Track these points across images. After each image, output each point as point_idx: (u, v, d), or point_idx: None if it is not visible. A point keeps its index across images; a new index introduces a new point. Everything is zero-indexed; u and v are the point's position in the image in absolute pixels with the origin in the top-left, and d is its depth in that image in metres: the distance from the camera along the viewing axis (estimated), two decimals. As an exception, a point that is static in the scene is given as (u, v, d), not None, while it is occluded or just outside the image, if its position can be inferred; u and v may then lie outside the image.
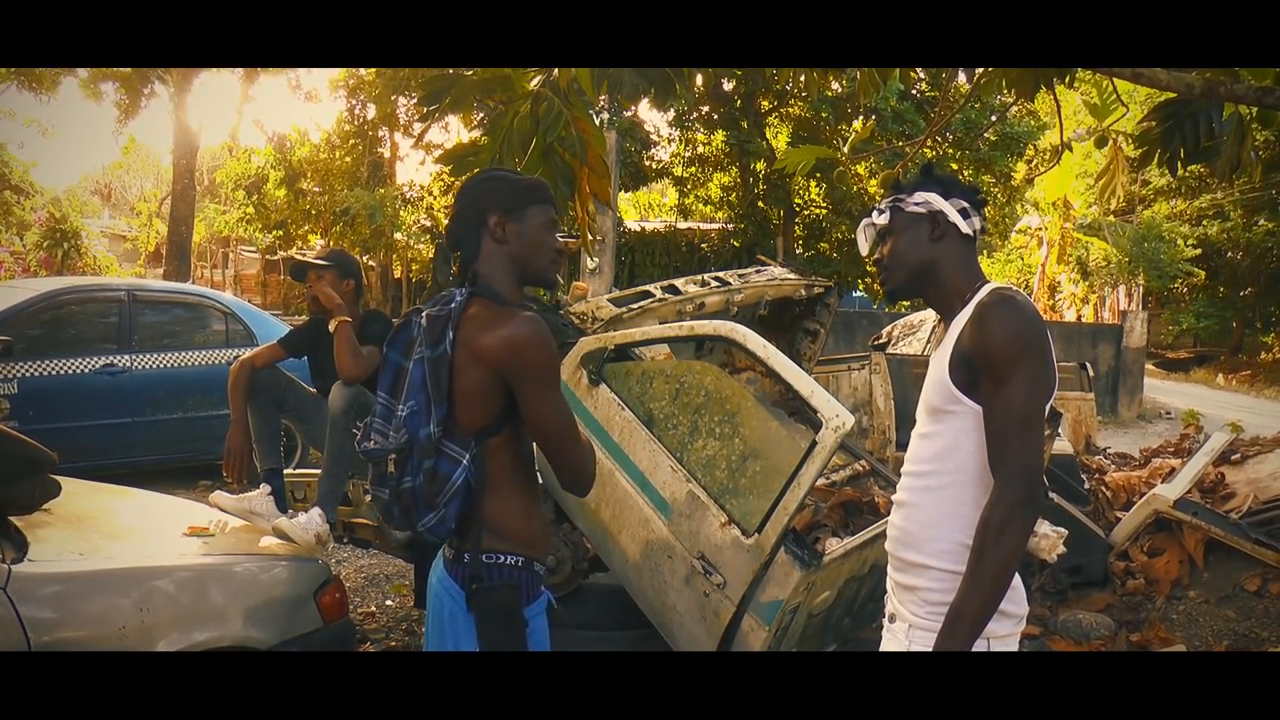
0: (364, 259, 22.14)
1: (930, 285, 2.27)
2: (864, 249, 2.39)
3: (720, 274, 6.02)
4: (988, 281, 2.20)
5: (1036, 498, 2.00)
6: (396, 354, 2.26)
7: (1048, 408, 2.10)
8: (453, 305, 2.20)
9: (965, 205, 2.23)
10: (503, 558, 2.23)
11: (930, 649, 2.10)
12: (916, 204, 2.24)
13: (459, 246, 2.32)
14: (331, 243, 22.25)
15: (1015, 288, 2.17)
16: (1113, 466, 7.48)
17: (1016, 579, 2.12)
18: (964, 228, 2.22)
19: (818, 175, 19.85)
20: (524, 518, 2.25)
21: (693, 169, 24.82)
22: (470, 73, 4.13)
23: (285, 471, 4.55)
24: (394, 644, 5.25)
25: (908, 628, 2.17)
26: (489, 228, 2.27)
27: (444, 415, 2.15)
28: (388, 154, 24.59)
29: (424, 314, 2.22)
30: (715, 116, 22.36)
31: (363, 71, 23.26)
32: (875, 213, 2.33)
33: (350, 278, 4.45)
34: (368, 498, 4.64)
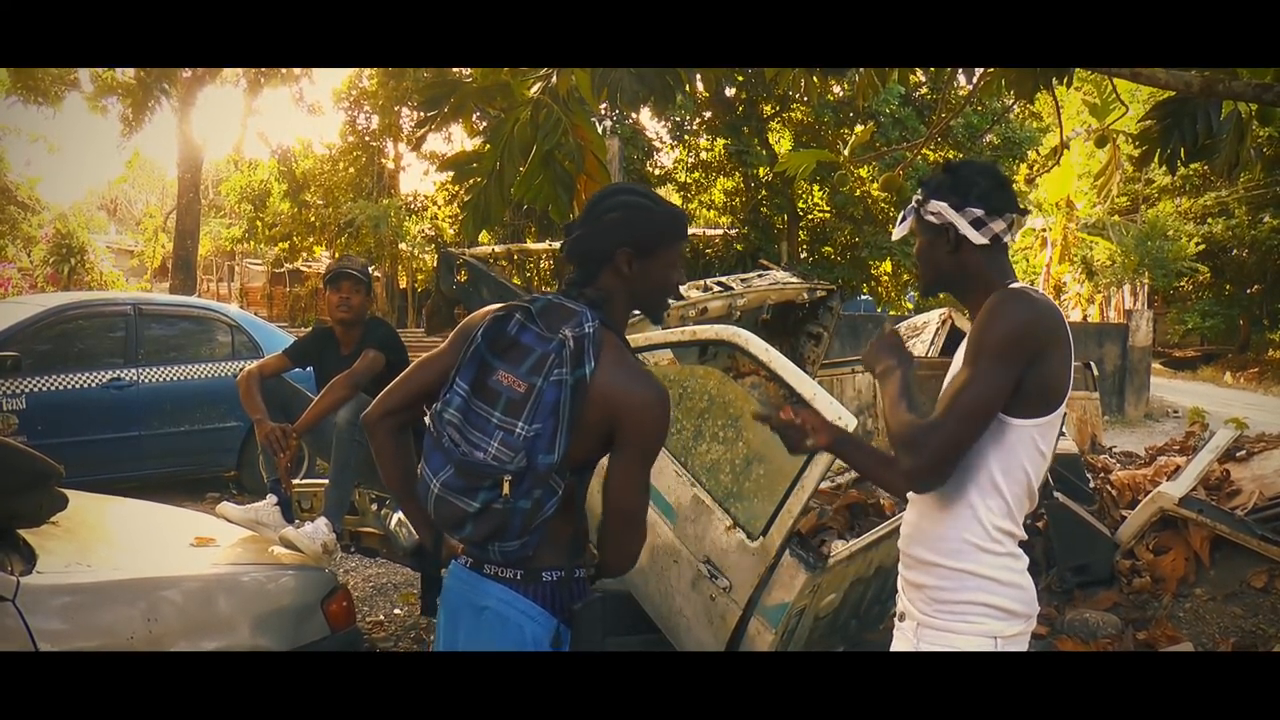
0: (369, 268, 22.19)
1: (956, 291, 2.28)
2: (895, 234, 2.38)
3: (723, 279, 6.04)
4: (1014, 281, 2.19)
5: (920, 482, 2.08)
6: (486, 348, 2.09)
7: (1060, 411, 2.11)
8: (588, 329, 2.07)
9: (980, 214, 2.14)
10: (579, 572, 2.21)
11: (938, 647, 2.11)
12: (931, 214, 2.21)
13: (578, 261, 2.22)
14: (336, 254, 22.32)
15: (1033, 290, 2.16)
16: (1118, 465, 7.47)
17: (1027, 579, 2.13)
18: (976, 240, 2.15)
19: (819, 179, 19.89)
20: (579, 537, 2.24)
21: (695, 174, 24.87)
22: (470, 80, 4.15)
23: (293, 481, 4.57)
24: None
25: (916, 626, 2.17)
26: (615, 262, 2.17)
27: (567, 447, 2.03)
28: (391, 165, 24.66)
29: (567, 332, 2.06)
30: (718, 123, 22.41)
31: (365, 83, 23.38)
32: (906, 211, 2.29)
33: (370, 293, 4.70)
34: (374, 506, 4.69)
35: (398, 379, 2.28)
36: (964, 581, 2.10)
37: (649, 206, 2.22)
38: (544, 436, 2.01)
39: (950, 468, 2.05)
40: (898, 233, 2.34)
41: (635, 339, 4.33)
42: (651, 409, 2.09)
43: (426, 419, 2.15)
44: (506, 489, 2.01)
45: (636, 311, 2.30)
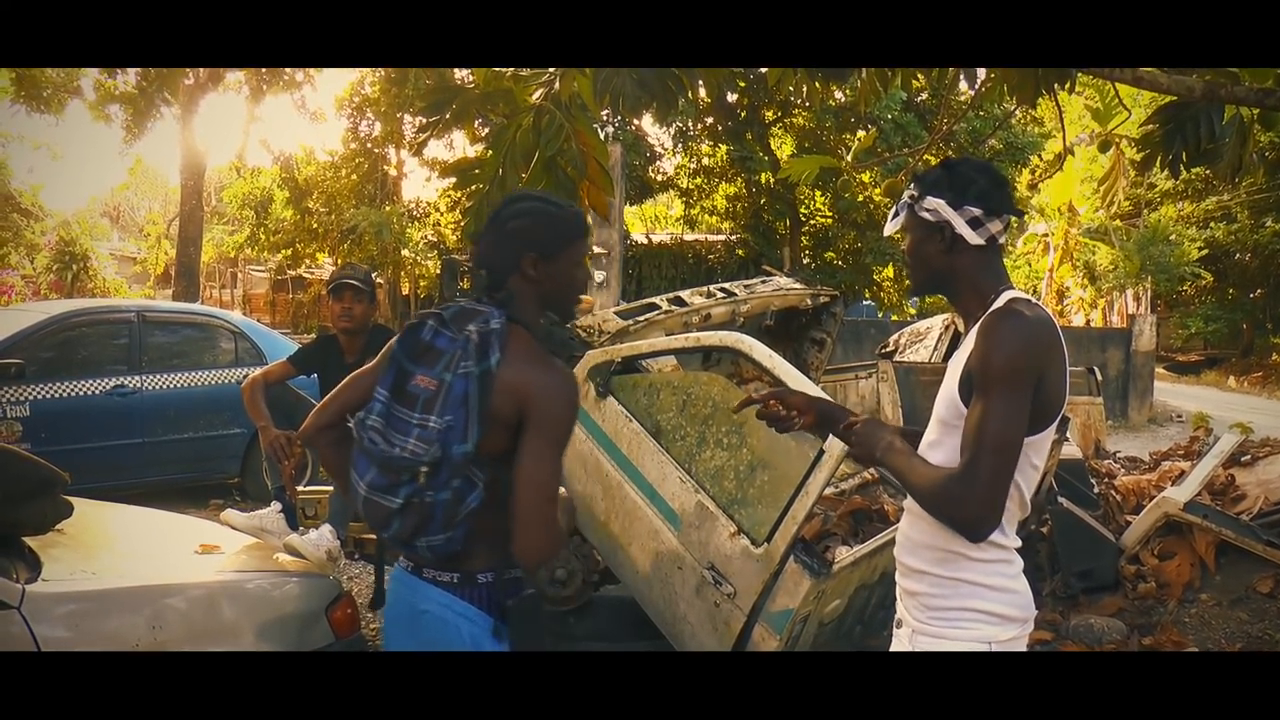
0: (372, 275, 22.22)
1: (948, 292, 2.23)
2: (887, 229, 2.31)
3: (726, 285, 6.04)
4: (1008, 288, 2.14)
5: (980, 533, 1.99)
6: (403, 355, 2.19)
7: (1053, 426, 2.09)
8: (494, 325, 2.16)
9: (978, 213, 2.11)
10: (514, 571, 2.25)
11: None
12: (927, 210, 2.16)
13: (486, 268, 2.28)
14: (339, 260, 22.34)
15: (1030, 299, 2.11)
16: (1122, 470, 7.47)
17: (1021, 583, 2.12)
18: (972, 240, 2.12)
19: (821, 184, 19.91)
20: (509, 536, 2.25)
21: (698, 180, 24.90)
22: (472, 86, 4.16)
23: (297, 488, 4.58)
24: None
25: (911, 633, 2.17)
26: (522, 268, 2.24)
27: (479, 436, 2.10)
28: (393, 172, 24.68)
29: (472, 329, 2.15)
30: (720, 129, 22.44)
31: (367, 89, 23.41)
32: (899, 206, 2.24)
33: (374, 301, 4.68)
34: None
35: (331, 394, 2.38)
36: (956, 589, 2.09)
37: (550, 210, 2.31)
38: (456, 428, 2.09)
39: (1002, 506, 1.99)
40: (890, 228, 2.29)
41: (640, 346, 4.34)
42: (554, 392, 2.15)
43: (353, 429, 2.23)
44: (423, 479, 2.10)
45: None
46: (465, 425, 2.10)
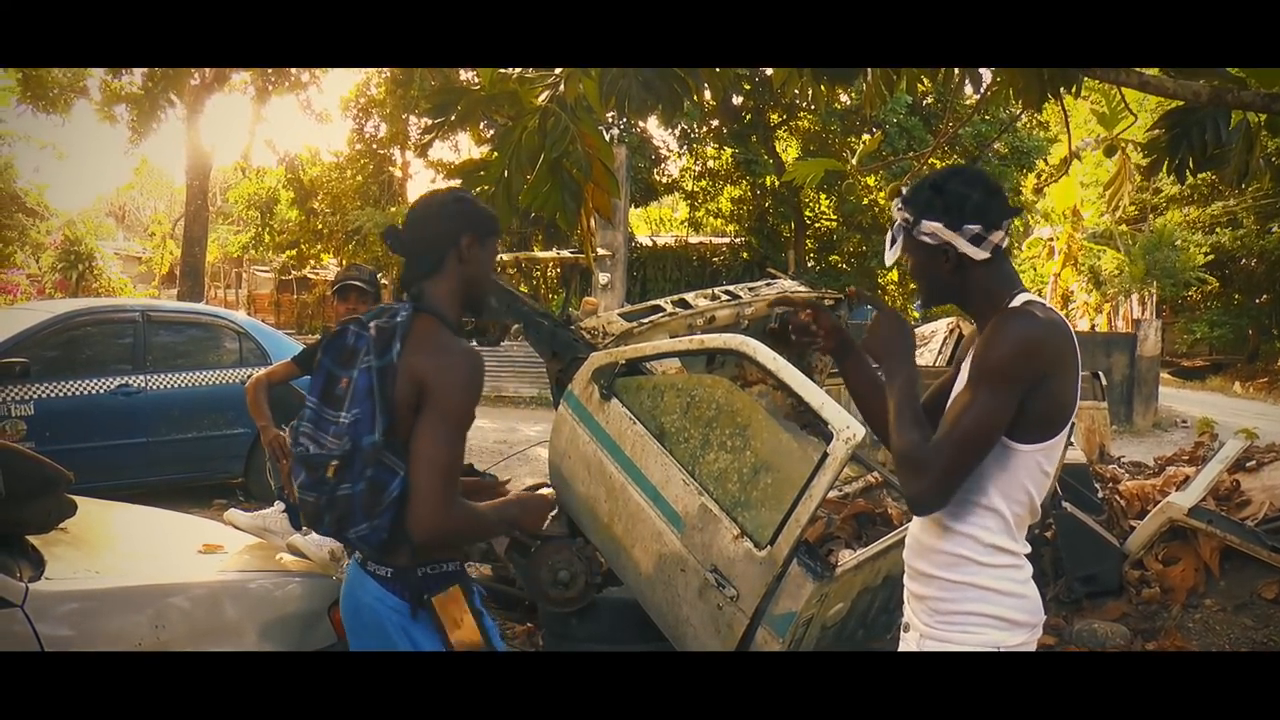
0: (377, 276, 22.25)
1: (961, 304, 2.21)
2: (888, 259, 2.25)
3: (730, 288, 6.04)
4: (1021, 290, 2.11)
5: (922, 507, 2.05)
6: (330, 361, 2.27)
7: (1065, 432, 2.08)
8: (399, 319, 2.24)
9: (978, 230, 2.05)
10: (445, 565, 2.31)
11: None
12: (925, 235, 2.10)
13: (412, 257, 2.36)
14: (344, 261, 22.38)
15: (1045, 302, 2.09)
16: (1127, 475, 7.45)
17: (1031, 588, 2.12)
18: (978, 256, 2.07)
19: (826, 187, 19.91)
20: None
21: (703, 183, 24.92)
22: (477, 86, 4.16)
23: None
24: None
25: (919, 636, 2.16)
26: (460, 247, 2.32)
27: (387, 425, 2.17)
28: (398, 173, 24.72)
29: (371, 325, 2.23)
30: (725, 131, 22.46)
31: (373, 90, 23.46)
32: (895, 232, 2.19)
33: (378, 302, 4.63)
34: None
35: None
36: (964, 593, 2.08)
37: (479, 202, 2.46)
38: (363, 420, 2.17)
39: (951, 493, 2.02)
40: (890, 256, 2.22)
41: (644, 348, 4.34)
42: (449, 371, 2.21)
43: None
44: (333, 473, 2.19)
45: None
46: (372, 416, 2.16)
